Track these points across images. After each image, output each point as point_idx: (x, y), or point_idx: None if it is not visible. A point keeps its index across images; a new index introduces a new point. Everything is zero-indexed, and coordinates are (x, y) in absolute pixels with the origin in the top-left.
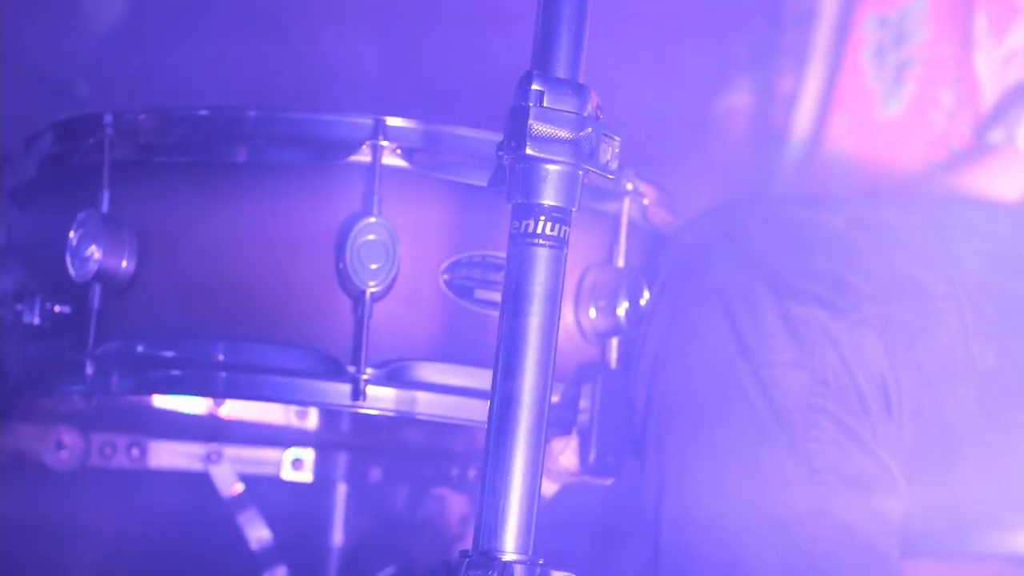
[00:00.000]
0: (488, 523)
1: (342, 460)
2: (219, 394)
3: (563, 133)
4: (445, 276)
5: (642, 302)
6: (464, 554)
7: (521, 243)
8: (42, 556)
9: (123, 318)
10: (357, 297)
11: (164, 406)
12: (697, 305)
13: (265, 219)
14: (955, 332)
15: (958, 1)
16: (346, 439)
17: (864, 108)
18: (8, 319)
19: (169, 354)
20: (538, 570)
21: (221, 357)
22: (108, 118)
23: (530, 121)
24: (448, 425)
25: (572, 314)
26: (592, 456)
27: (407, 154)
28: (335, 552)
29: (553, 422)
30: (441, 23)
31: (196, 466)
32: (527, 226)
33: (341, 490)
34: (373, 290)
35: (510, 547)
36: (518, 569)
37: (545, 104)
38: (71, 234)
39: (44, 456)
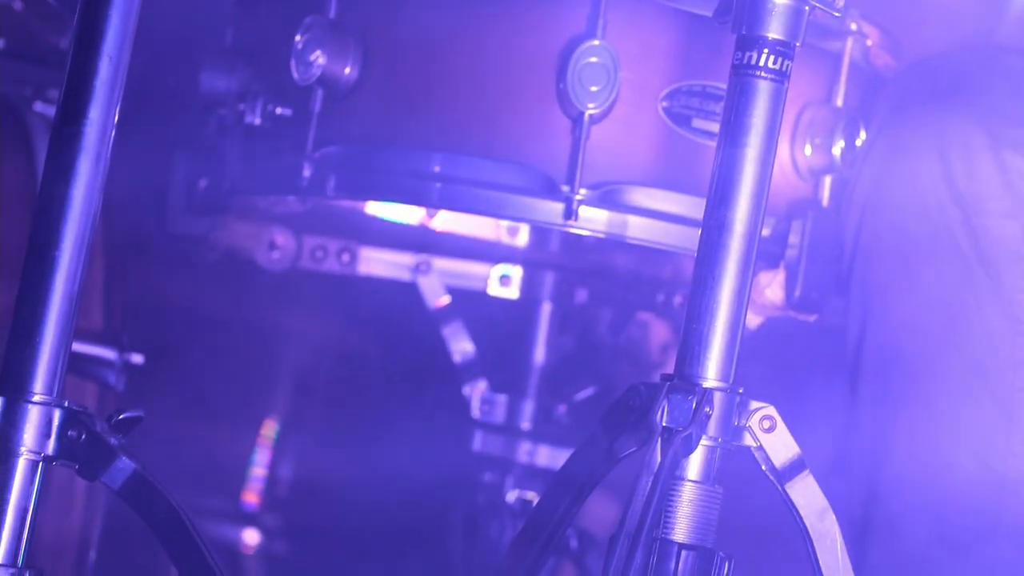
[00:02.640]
0: (691, 349)
1: (549, 279)
2: (433, 204)
3: None
4: (664, 103)
5: (858, 142)
6: (666, 378)
7: (743, 74)
8: (244, 355)
9: (343, 123)
10: (575, 118)
11: (377, 213)
12: (913, 148)
13: (490, 35)
14: None
15: None
16: (554, 259)
17: None
18: (230, 118)
19: (386, 161)
20: (738, 399)
21: (437, 168)
22: None
23: None
24: (656, 250)
25: (788, 150)
26: (798, 291)
27: None
28: (536, 370)
29: (761, 255)
30: None
31: (404, 276)
32: (750, 58)
33: (546, 309)
34: (592, 112)
35: (711, 374)
36: (718, 396)
37: None
38: (297, 38)
39: (256, 255)
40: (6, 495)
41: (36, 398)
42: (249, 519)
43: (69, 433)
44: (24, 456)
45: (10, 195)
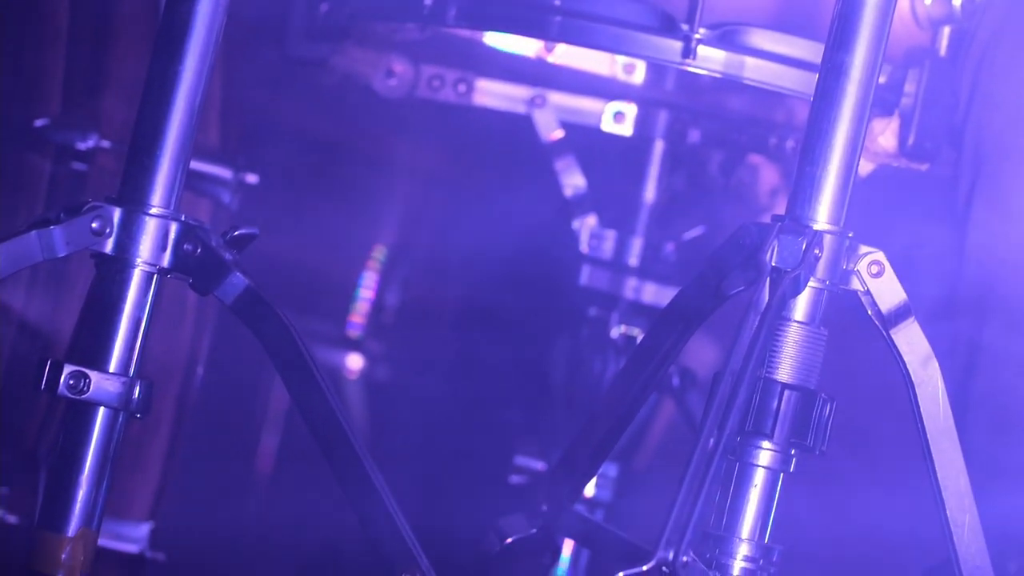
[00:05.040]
0: (803, 191)
1: (663, 118)
2: (552, 37)
3: None
4: None
5: None
6: (777, 218)
7: None
8: (357, 180)
9: None
10: None
11: (495, 45)
12: None
13: None
14: None
15: None
16: (669, 98)
17: None
18: None
19: None
20: (847, 242)
21: (557, 1)
22: None
23: None
24: (771, 93)
25: None
26: (911, 140)
27: None
28: (645, 207)
29: (876, 102)
30: None
31: (519, 108)
32: None
33: (658, 147)
34: None
35: (822, 217)
36: (828, 239)
37: None
38: None
39: (374, 81)
40: (121, 305)
41: (154, 210)
42: (353, 344)
43: (185, 247)
44: (140, 267)
45: (133, 12)
